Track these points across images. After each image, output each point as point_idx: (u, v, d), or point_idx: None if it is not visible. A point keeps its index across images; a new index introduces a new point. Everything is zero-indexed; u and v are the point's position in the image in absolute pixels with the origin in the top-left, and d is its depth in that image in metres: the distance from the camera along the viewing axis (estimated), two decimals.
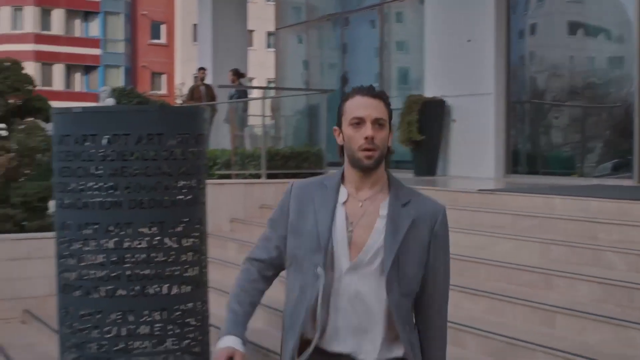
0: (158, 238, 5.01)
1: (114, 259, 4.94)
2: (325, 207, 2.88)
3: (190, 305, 5.17)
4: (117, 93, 13.35)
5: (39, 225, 10.53)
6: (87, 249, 5.02)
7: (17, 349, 8.46)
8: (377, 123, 2.83)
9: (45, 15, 55.57)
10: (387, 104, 2.90)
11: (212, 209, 9.95)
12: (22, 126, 11.16)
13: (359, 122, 2.83)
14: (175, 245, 5.04)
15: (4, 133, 11.22)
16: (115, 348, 5.02)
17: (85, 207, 5.02)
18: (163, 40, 59.79)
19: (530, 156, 12.68)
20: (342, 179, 2.95)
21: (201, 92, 17.16)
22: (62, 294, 5.14)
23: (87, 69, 58.27)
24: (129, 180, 4.95)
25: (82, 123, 5.16)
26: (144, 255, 4.97)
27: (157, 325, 5.08)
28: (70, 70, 57.22)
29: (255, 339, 6.34)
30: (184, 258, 5.13)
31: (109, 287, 4.96)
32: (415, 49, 14.89)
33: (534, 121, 12.83)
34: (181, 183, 5.25)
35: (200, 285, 5.23)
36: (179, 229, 5.07)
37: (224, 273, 8.52)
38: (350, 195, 2.90)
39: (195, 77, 18.02)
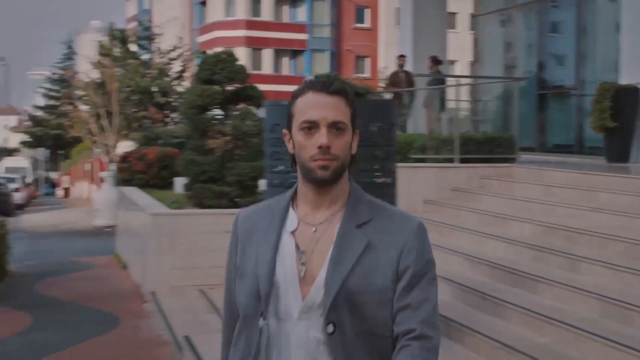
0: None
1: None
2: (267, 240, 2.35)
3: None
4: None
5: (250, 201, 11.62)
6: None
7: None
8: (335, 127, 2.29)
9: (256, 2, 58.03)
10: (349, 102, 2.35)
11: (407, 190, 10.74)
12: (237, 112, 12.28)
13: (310, 127, 2.30)
14: None
15: (221, 118, 12.35)
16: None
17: (290, 187, 5.85)
18: (367, 24, 60.94)
19: None
20: (294, 199, 2.45)
21: (400, 79, 17.82)
22: None
23: (294, 54, 60.33)
24: None
25: None
26: None
27: None
28: (278, 54, 59.52)
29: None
30: None
31: None
32: (613, 35, 14.86)
33: None
34: (376, 166, 6.01)
35: None
36: None
37: None
38: (302, 219, 2.36)
39: (397, 64, 18.70)
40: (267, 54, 58.95)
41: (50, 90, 73.95)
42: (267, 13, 58.35)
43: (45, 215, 34.26)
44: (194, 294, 10.59)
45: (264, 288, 2.27)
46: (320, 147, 2.26)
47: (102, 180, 29.73)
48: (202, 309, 9.83)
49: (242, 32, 56.69)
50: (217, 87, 12.07)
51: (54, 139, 68.28)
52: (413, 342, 2.20)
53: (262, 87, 13.53)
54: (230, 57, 12.40)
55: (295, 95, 2.37)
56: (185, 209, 11.88)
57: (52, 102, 72.08)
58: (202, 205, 11.73)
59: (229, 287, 2.48)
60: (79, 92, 45.30)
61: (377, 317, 2.22)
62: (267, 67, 58.16)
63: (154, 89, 43.30)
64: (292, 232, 2.34)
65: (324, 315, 2.21)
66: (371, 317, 2.22)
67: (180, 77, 45.17)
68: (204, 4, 59.61)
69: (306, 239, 2.32)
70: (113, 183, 22.55)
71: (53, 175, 70.99)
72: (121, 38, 44.98)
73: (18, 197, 39.41)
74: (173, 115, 41.53)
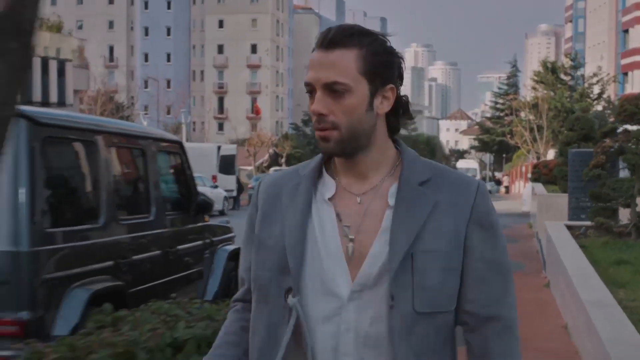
0: None
1: None
2: (295, 206, 1.93)
3: None
4: None
5: None
6: None
7: None
8: (331, 89, 1.84)
9: None
10: (362, 53, 1.85)
11: None
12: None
13: (311, 91, 1.88)
14: None
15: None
16: None
17: None
18: None
19: None
20: (328, 163, 2.00)
21: None
22: None
23: None
24: None
25: None
26: None
27: None
28: None
29: None
30: None
31: None
32: None
33: None
34: None
35: None
36: None
37: None
38: (341, 186, 1.94)
39: None
40: None
41: (496, 103, 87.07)
42: None
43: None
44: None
45: (294, 260, 1.87)
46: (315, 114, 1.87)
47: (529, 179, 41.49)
48: None
49: None
50: (573, 133, 23.58)
51: (498, 145, 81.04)
52: (487, 325, 1.92)
53: None
54: (584, 114, 23.84)
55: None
56: (553, 192, 23.54)
57: (497, 113, 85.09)
58: (563, 191, 23.24)
59: (247, 266, 2.06)
60: (518, 108, 57.57)
61: (439, 288, 1.87)
62: None
63: (576, 108, 54.34)
64: (330, 198, 1.93)
65: (389, 287, 1.84)
66: (432, 287, 1.86)
67: (598, 98, 55.77)
68: (626, 31, 68.44)
69: (350, 211, 1.91)
70: (530, 180, 34.32)
71: (497, 175, 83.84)
72: (552, 69, 56.78)
73: None
74: None
